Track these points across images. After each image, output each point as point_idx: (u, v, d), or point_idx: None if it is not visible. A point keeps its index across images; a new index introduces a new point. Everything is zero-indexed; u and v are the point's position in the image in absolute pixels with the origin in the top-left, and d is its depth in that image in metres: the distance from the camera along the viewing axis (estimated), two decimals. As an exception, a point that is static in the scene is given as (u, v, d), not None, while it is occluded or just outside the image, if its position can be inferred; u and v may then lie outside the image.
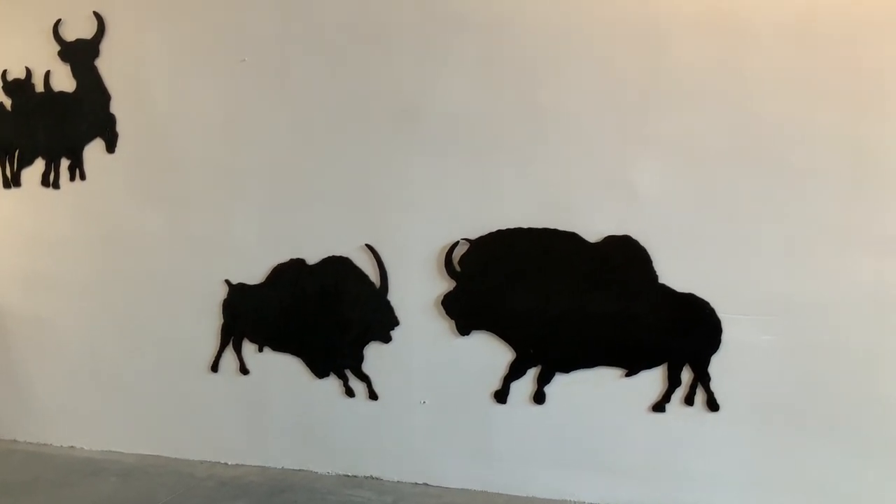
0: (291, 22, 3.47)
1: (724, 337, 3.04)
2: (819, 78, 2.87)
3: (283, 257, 3.51)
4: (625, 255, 3.12)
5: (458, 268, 3.25)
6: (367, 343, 3.44)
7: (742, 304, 3.01)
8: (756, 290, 2.98)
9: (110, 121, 3.73)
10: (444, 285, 3.29)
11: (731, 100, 2.97)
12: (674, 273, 3.07)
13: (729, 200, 2.99)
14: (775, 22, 2.90)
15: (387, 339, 3.38)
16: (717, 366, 3.05)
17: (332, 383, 3.52)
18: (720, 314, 3.03)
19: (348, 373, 3.48)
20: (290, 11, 3.46)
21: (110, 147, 3.76)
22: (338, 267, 3.41)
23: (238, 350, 3.64)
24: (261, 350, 3.62)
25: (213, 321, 3.67)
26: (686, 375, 3.10)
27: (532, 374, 3.26)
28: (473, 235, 3.24)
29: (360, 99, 3.38)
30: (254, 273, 3.56)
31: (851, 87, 2.85)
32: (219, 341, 3.67)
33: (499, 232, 3.22)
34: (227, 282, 3.60)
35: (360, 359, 3.45)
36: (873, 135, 2.84)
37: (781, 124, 2.92)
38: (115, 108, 3.74)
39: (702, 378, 3.07)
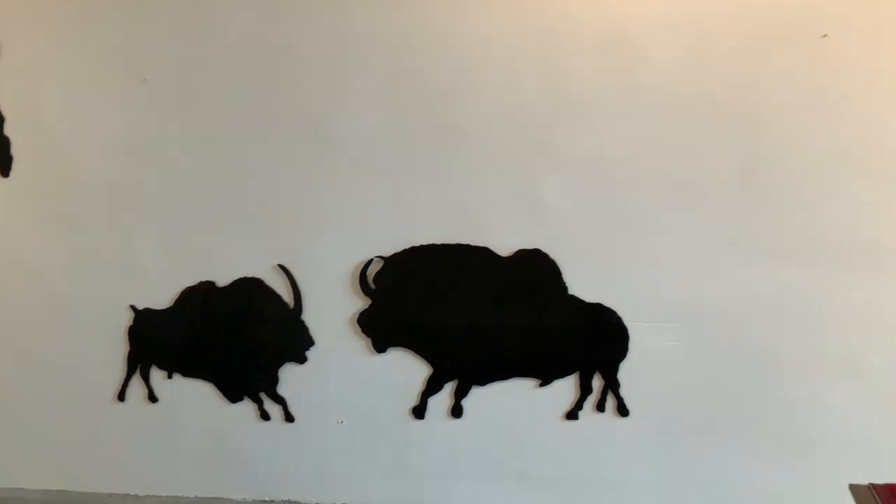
0: (198, 40, 3.39)
1: (631, 344, 3.14)
2: (712, 95, 3.04)
3: (192, 280, 3.41)
4: (536, 268, 3.19)
5: (372, 285, 3.25)
6: (281, 364, 3.38)
7: (647, 312, 3.13)
8: (659, 299, 3.11)
9: (4, 143, 3.55)
10: (360, 303, 3.28)
11: (631, 117, 3.10)
12: (583, 284, 3.16)
13: (633, 213, 3.12)
14: (670, 42, 3.05)
15: (302, 359, 3.34)
16: (626, 372, 3.15)
17: (246, 407, 3.44)
18: (627, 322, 3.15)
19: (263, 396, 3.41)
20: (196, 29, 3.38)
21: (4, 171, 3.58)
22: (249, 288, 3.34)
23: (146, 377, 3.52)
24: (170, 376, 3.50)
25: (118, 348, 3.53)
26: (597, 383, 3.20)
27: (449, 388, 3.28)
28: (387, 253, 3.25)
29: (270, 117, 3.34)
30: (161, 297, 3.45)
31: (743, 103, 3.02)
32: (125, 369, 3.53)
33: (412, 249, 3.24)
34: (133, 307, 3.47)
35: (275, 381, 3.39)
36: (764, 149, 3.02)
37: (679, 140, 3.07)
38: (9, 130, 3.56)
39: (612, 385, 3.17)
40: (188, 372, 3.49)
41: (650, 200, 3.09)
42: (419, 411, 3.29)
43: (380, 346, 3.27)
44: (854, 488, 2.23)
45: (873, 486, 2.20)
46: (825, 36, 2.95)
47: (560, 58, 3.12)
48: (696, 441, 3.13)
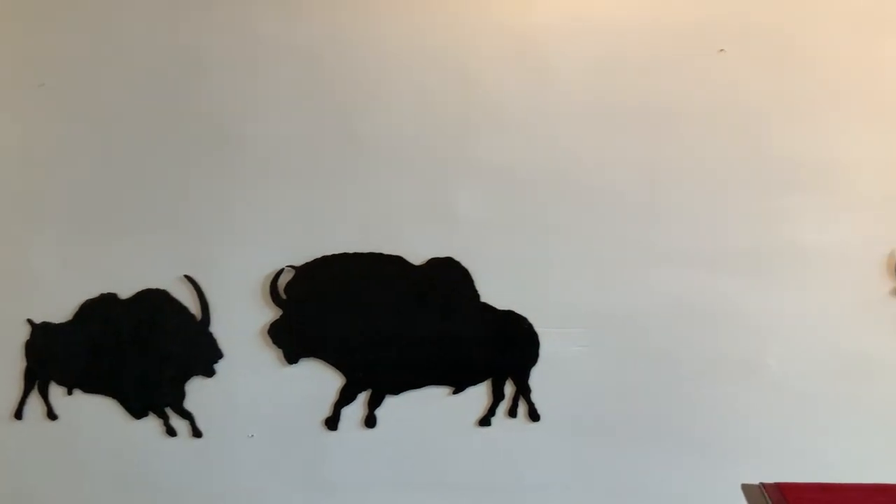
0: (99, 43, 3.27)
1: (542, 350, 3.19)
2: (617, 106, 3.12)
3: (92, 292, 3.28)
4: (448, 277, 3.21)
5: (283, 295, 3.20)
6: (188, 378, 3.29)
7: (556, 318, 3.18)
8: (569, 305, 3.17)
9: None
10: (270, 314, 3.22)
11: (540, 127, 3.15)
12: (494, 292, 3.19)
13: (543, 221, 3.17)
14: (577, 54, 3.12)
15: (210, 372, 3.26)
16: (537, 378, 3.20)
17: (150, 423, 3.33)
18: (537, 328, 3.19)
19: (169, 411, 3.31)
20: (97, 32, 3.26)
21: None
22: (153, 300, 3.24)
23: (44, 394, 3.36)
24: (70, 393, 3.35)
25: (14, 365, 3.35)
26: (509, 389, 3.23)
27: (362, 398, 3.26)
28: (299, 262, 3.20)
29: (175, 124, 3.25)
30: (59, 310, 3.30)
31: (646, 113, 3.11)
32: (22, 386, 3.36)
33: (324, 258, 3.21)
34: (30, 321, 3.31)
35: (182, 395, 3.30)
36: (666, 158, 3.12)
37: (586, 149, 3.14)
38: None
39: (523, 390, 3.21)
40: (89, 388, 3.35)
41: (559, 208, 3.15)
42: (332, 423, 3.26)
43: (291, 358, 3.22)
44: (746, 488, 2.32)
45: (763, 486, 2.29)
46: (722, 50, 3.06)
47: (470, 66, 3.15)
48: (605, 444, 3.20)
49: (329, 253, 3.20)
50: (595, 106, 3.13)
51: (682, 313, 3.14)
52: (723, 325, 3.15)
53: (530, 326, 3.19)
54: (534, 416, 3.22)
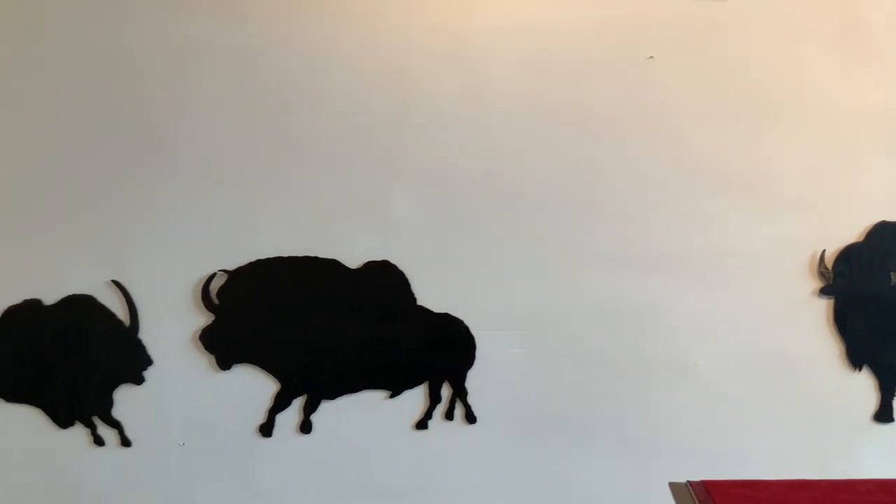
0: (23, 40, 3.15)
1: (478, 352, 3.20)
2: (550, 111, 3.16)
3: (15, 298, 3.15)
4: (384, 280, 3.19)
5: (216, 300, 3.13)
6: (116, 386, 3.19)
7: (492, 321, 3.20)
8: (504, 307, 3.20)
9: None
10: (202, 319, 3.15)
11: (475, 131, 3.17)
12: (431, 295, 3.20)
13: (477, 225, 3.18)
14: (511, 60, 3.15)
15: (139, 380, 3.17)
16: (473, 380, 3.20)
17: (77, 433, 3.22)
18: (474, 331, 3.21)
19: (96, 420, 3.21)
20: (24, 33, 3.14)
21: None
22: (80, 306, 3.13)
23: (-37, 405, 3.22)
24: (-8, 402, 3.23)
25: (-70, 375, 3.20)
26: (445, 392, 3.23)
27: (297, 403, 3.22)
28: (231, 266, 3.14)
29: (105, 126, 3.15)
30: (-22, 318, 3.17)
31: (578, 119, 3.16)
32: (-60, 396, 3.22)
33: (258, 262, 3.16)
34: (-54, 329, 3.17)
35: (110, 404, 3.20)
36: (597, 163, 3.17)
37: (520, 153, 3.17)
38: None
39: (460, 393, 3.22)
40: (13, 397, 3.22)
41: (494, 211, 3.17)
42: (266, 429, 3.21)
43: (224, 364, 3.16)
44: (673, 486, 2.37)
45: (690, 484, 2.34)
46: (651, 57, 3.13)
47: (404, 71, 3.14)
48: (540, 444, 3.23)
49: (263, 257, 3.15)
50: (529, 110, 3.16)
51: (615, 315, 3.20)
52: (653, 326, 3.21)
53: (467, 329, 3.20)
54: (470, 418, 3.23)
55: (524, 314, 3.19)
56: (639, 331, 3.20)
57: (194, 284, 3.14)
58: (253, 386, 3.19)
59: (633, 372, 3.21)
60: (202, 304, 3.12)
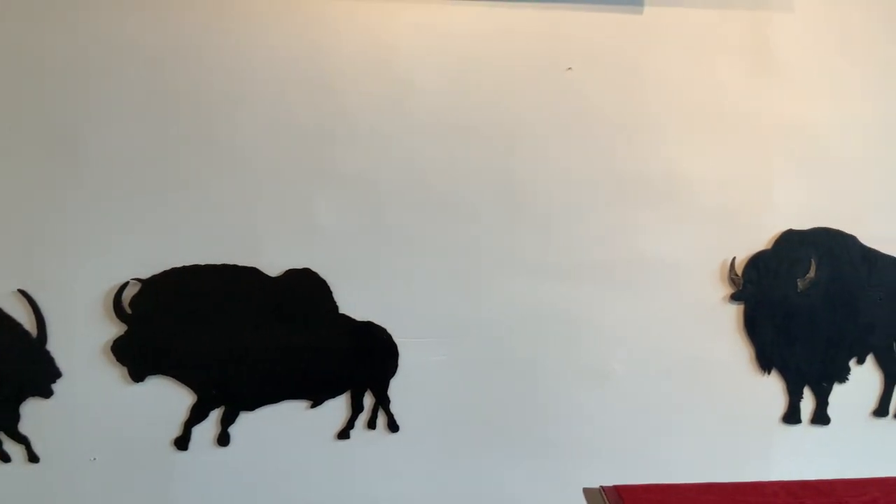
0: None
1: (402, 361, 3.19)
2: (473, 122, 3.18)
3: (-88, 309, 2.99)
4: (306, 288, 3.15)
5: (128, 310, 3.03)
6: (23, 400, 3.05)
7: (416, 328, 3.19)
8: (428, 315, 3.19)
9: None
10: (114, 330, 3.04)
11: (399, 140, 3.16)
12: (353, 303, 3.17)
13: (400, 232, 3.17)
14: (434, 71, 3.16)
15: (47, 393, 3.04)
16: (396, 388, 3.19)
17: (-20, 450, 3.07)
18: (397, 339, 3.19)
19: (2, 435, 3.06)
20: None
21: None
22: (-19, 317, 2.99)
23: None
24: None
25: None
26: (368, 400, 3.20)
27: (215, 415, 3.14)
28: (145, 275, 3.05)
29: (11, 128, 3.01)
30: None
31: (500, 130, 3.19)
32: None
33: (173, 270, 3.07)
34: None
35: (16, 418, 3.06)
36: (520, 173, 3.20)
37: (444, 163, 3.18)
38: None
39: (382, 402, 3.20)
40: None
41: (418, 219, 3.17)
42: (182, 442, 3.12)
43: (137, 375, 3.06)
44: (587, 492, 2.40)
45: (603, 489, 2.38)
46: (570, 69, 3.18)
47: (329, 79, 3.12)
48: (463, 452, 3.24)
49: (178, 265, 3.06)
50: (453, 118, 3.17)
51: (538, 322, 3.23)
52: (575, 333, 3.26)
53: (389, 337, 3.19)
54: (393, 427, 3.21)
55: (447, 322, 3.19)
56: (560, 338, 3.24)
57: (106, 293, 3.03)
58: (168, 398, 3.10)
59: (554, 378, 3.25)
60: (114, 314, 3.01)
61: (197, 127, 3.08)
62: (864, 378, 3.40)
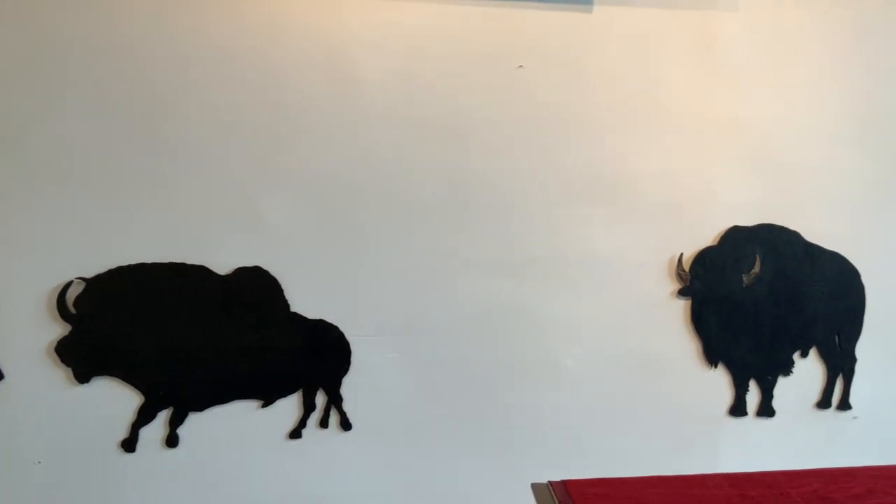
0: None
1: (354, 358, 3.17)
2: (423, 118, 3.17)
3: None
4: (256, 286, 3.12)
5: (72, 310, 2.97)
6: (-38, 403, 2.97)
7: (368, 326, 3.19)
8: (379, 312, 3.19)
9: None
10: (58, 330, 2.97)
11: (350, 135, 3.14)
12: (304, 301, 3.15)
13: (351, 229, 3.16)
14: (384, 66, 3.14)
15: (-13, 396, 2.97)
16: (348, 387, 3.18)
17: (-83, 455, 2.98)
18: (349, 337, 3.18)
19: (-60, 440, 2.98)
20: None
21: None
22: (-84, 318, 2.90)
23: None
24: None
25: None
26: (320, 399, 3.19)
27: (163, 416, 3.09)
28: (90, 273, 2.98)
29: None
30: None
31: (450, 126, 3.19)
32: None
33: (119, 269, 3.01)
34: None
35: (-45, 422, 2.98)
36: (470, 169, 3.20)
37: (395, 159, 3.17)
38: None
39: (335, 400, 3.19)
40: None
41: (369, 216, 3.16)
42: (129, 444, 3.07)
43: (82, 377, 3.00)
44: (535, 487, 2.42)
45: (551, 484, 2.40)
46: (520, 66, 3.19)
47: (278, 74, 3.08)
48: (416, 450, 3.24)
49: (124, 263, 3.01)
50: (402, 115, 3.16)
51: (488, 318, 3.25)
52: (525, 328, 3.28)
53: (342, 335, 3.17)
54: (346, 425, 3.20)
55: (399, 319, 3.19)
56: (511, 333, 3.26)
57: (49, 292, 2.97)
58: (114, 399, 3.05)
59: (505, 374, 3.27)
60: (58, 314, 2.94)
61: (142, 123, 3.02)
62: (808, 371, 3.48)
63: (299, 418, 3.18)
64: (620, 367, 3.32)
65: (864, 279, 3.46)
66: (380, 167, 3.15)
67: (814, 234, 3.41)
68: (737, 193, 3.35)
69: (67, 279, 2.97)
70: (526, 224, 3.23)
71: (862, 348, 3.50)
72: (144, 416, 3.07)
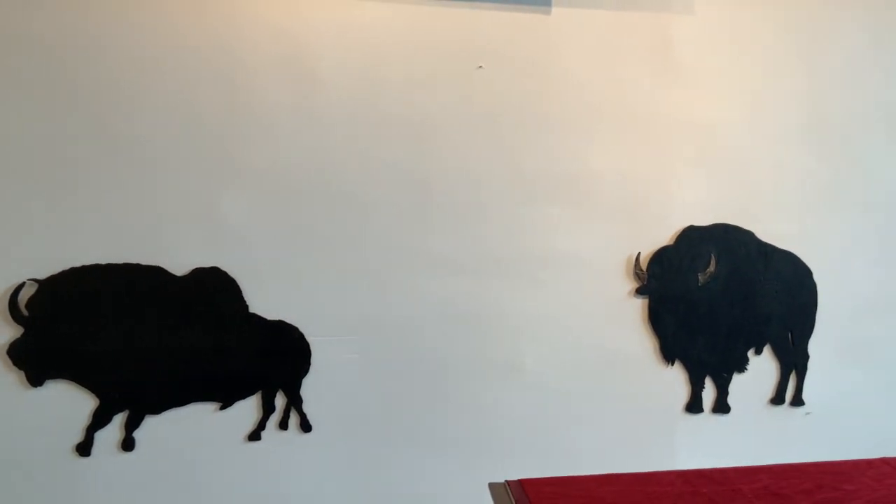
0: None
1: (314, 359, 3.16)
2: (384, 118, 3.17)
3: None
4: (214, 287, 3.09)
5: (25, 312, 2.91)
6: None
7: (328, 327, 3.18)
8: (340, 312, 3.18)
9: None
10: (10, 332, 2.92)
11: (310, 136, 3.13)
12: (263, 301, 3.13)
13: (311, 229, 3.15)
14: (345, 67, 3.14)
15: (-64, 401, 2.90)
16: (308, 387, 3.16)
17: None
18: (309, 338, 3.16)
19: None
20: None
21: None
22: None
23: None
24: None
25: None
26: (280, 401, 3.17)
27: (119, 419, 3.05)
28: (42, 275, 2.93)
29: None
30: None
31: (411, 126, 3.19)
32: None
33: (72, 270, 2.96)
34: None
35: None
36: (431, 170, 3.21)
37: (355, 159, 3.16)
38: None
39: (295, 402, 3.17)
40: None
41: (328, 216, 3.15)
42: (84, 448, 3.02)
43: (35, 380, 2.95)
44: (492, 486, 2.44)
45: (508, 483, 2.42)
46: (480, 67, 3.20)
47: (234, 73, 3.06)
48: (377, 450, 3.24)
49: (78, 264, 2.96)
50: (364, 114, 3.16)
51: (449, 318, 3.26)
52: (486, 328, 3.30)
53: (301, 336, 3.16)
54: (305, 427, 3.19)
55: (360, 319, 3.19)
56: (471, 333, 3.28)
57: (0, 295, 2.90)
58: (68, 402, 3.00)
59: (465, 374, 3.28)
60: (9, 316, 2.88)
61: (97, 122, 2.98)
62: (762, 368, 3.55)
63: (258, 420, 3.15)
64: (580, 366, 3.36)
65: (816, 277, 3.54)
66: (340, 167, 3.14)
67: (767, 233, 3.48)
68: (693, 193, 3.40)
69: (19, 281, 2.91)
70: (486, 224, 3.25)
71: (814, 345, 3.57)
72: (99, 420, 3.03)
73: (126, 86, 3.00)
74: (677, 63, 3.38)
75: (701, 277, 3.38)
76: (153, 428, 3.07)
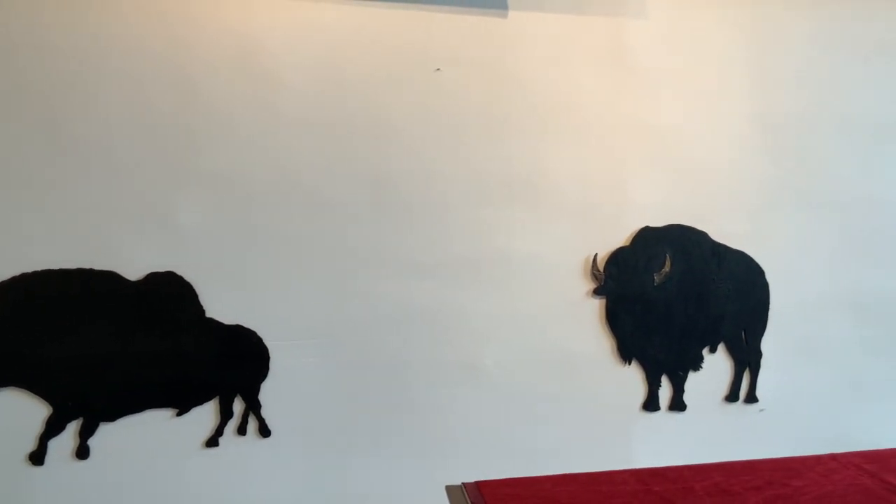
0: None
1: (272, 364, 3.14)
2: (342, 121, 3.17)
3: None
4: (169, 292, 3.06)
5: (-27, 319, 2.85)
6: None
7: (287, 331, 3.16)
8: (298, 316, 3.16)
9: None
10: (-43, 340, 2.85)
11: (268, 138, 3.12)
12: (221, 306, 3.10)
13: (268, 232, 3.13)
14: (303, 70, 3.14)
15: None
16: (267, 392, 3.14)
17: None
18: (268, 342, 3.14)
19: None
20: None
21: None
22: None
23: None
24: None
25: None
26: (238, 406, 3.15)
27: (73, 427, 3.00)
28: (-8, 281, 2.87)
29: None
30: None
31: (369, 128, 3.20)
32: None
33: (23, 276, 2.91)
34: None
35: None
36: (390, 171, 3.21)
37: (313, 161, 3.16)
38: None
39: (253, 407, 3.15)
40: None
41: (286, 218, 3.14)
42: (37, 457, 2.97)
43: (-15, 388, 2.88)
44: (449, 489, 2.45)
45: (464, 485, 2.43)
46: (438, 69, 3.21)
47: (190, 73, 3.03)
48: (336, 454, 3.23)
49: (29, 269, 2.90)
50: (322, 117, 3.16)
51: (407, 321, 3.27)
52: (446, 330, 3.31)
53: (260, 340, 3.14)
54: (264, 431, 3.17)
55: (318, 323, 3.18)
56: (430, 335, 3.29)
57: (-52, 302, 2.84)
58: (20, 410, 2.94)
59: (425, 376, 3.29)
60: (-42, 324, 2.82)
61: (48, 122, 2.93)
62: (717, 366, 3.62)
63: (216, 426, 3.13)
64: (538, 366, 3.39)
65: (768, 277, 3.61)
66: (296, 168, 3.13)
67: (721, 233, 3.55)
68: (647, 195, 3.45)
69: (-32, 287, 2.84)
70: (444, 225, 3.26)
71: (767, 343, 3.65)
72: (53, 428, 2.98)
73: (80, 86, 2.96)
74: (632, 66, 3.42)
75: (657, 277, 3.43)
76: (108, 435, 3.03)
